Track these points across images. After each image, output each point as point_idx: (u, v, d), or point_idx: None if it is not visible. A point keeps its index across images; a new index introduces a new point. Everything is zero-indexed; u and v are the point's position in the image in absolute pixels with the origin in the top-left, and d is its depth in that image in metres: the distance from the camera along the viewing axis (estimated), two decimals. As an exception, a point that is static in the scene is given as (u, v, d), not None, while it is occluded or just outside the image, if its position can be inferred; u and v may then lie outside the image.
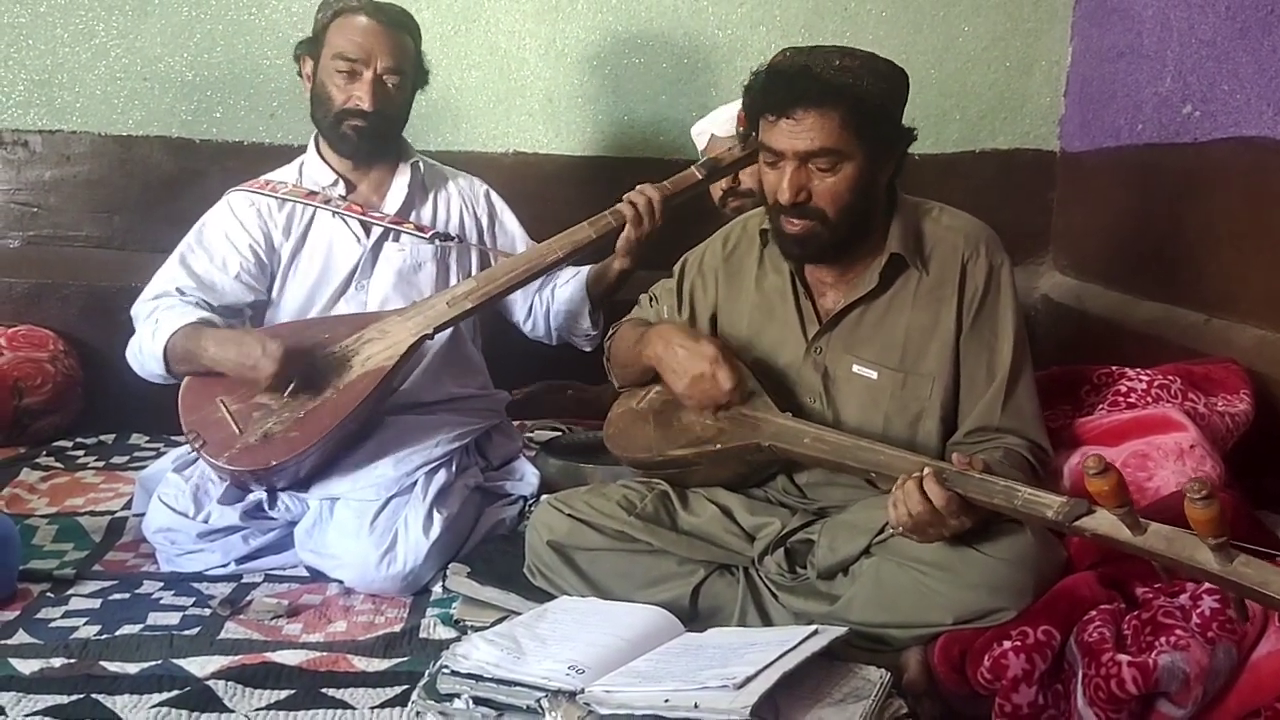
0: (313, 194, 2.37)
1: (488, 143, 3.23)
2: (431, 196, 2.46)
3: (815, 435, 1.79)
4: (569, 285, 2.44)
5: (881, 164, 1.79)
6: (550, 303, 2.47)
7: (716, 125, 2.55)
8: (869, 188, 1.78)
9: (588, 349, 2.51)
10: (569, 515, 1.94)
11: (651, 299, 2.14)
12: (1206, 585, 1.52)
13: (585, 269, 2.45)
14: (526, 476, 2.43)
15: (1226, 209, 2.43)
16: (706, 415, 1.90)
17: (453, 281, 2.40)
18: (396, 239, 2.39)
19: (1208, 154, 2.49)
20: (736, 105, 2.46)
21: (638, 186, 2.26)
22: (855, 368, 1.86)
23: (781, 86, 1.73)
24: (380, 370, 2.15)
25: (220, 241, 2.34)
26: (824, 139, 1.71)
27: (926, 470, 1.59)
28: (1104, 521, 1.43)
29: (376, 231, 2.38)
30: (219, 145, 3.17)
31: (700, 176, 2.31)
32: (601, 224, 2.27)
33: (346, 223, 2.37)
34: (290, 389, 2.11)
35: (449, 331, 2.37)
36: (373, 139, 2.33)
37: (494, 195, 2.54)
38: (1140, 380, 2.11)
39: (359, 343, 2.19)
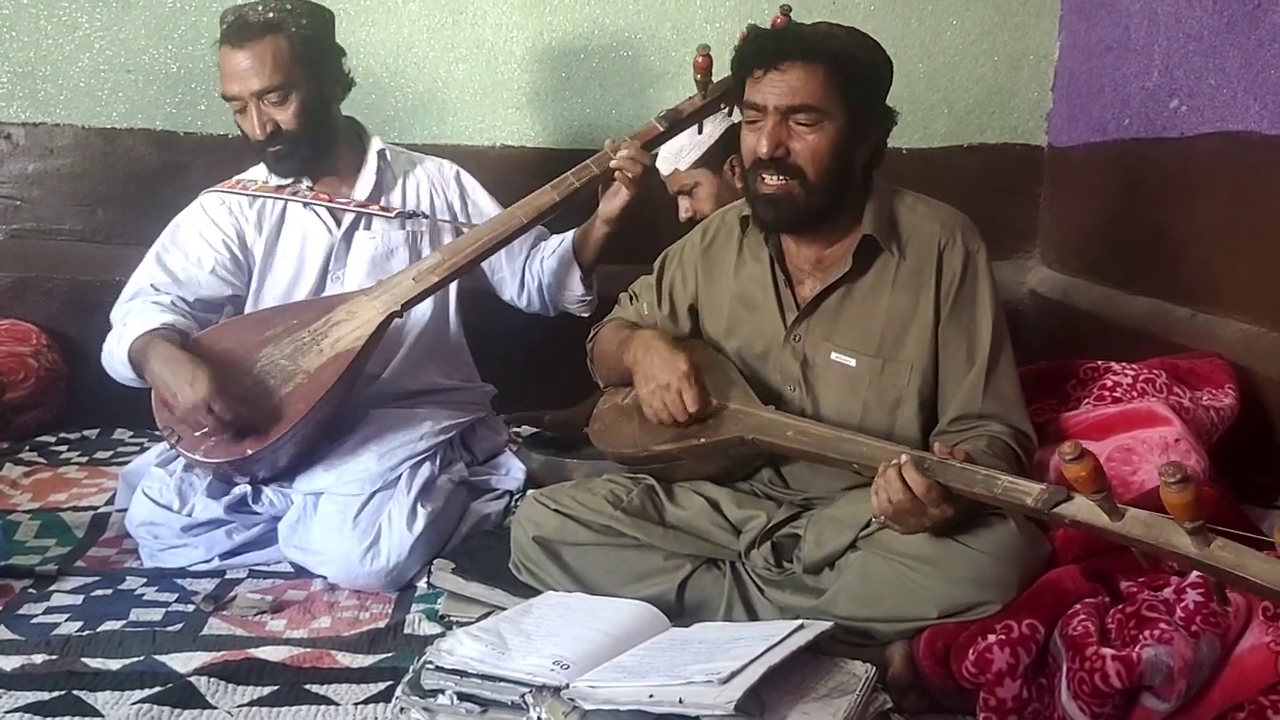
0: (281, 188, 2.35)
1: (474, 136, 3.21)
2: (400, 182, 2.44)
3: (798, 428, 1.79)
4: (555, 255, 2.43)
5: (861, 135, 1.80)
6: (541, 275, 2.45)
7: (680, 161, 2.54)
8: (848, 156, 1.79)
9: (585, 314, 2.48)
10: (555, 510, 1.93)
11: (632, 297, 2.14)
12: (1190, 579, 1.52)
13: (569, 235, 2.42)
14: (512, 471, 2.42)
15: (1213, 203, 2.43)
16: (665, 430, 1.89)
17: (427, 266, 2.38)
18: (368, 227, 2.37)
19: (1194, 149, 2.49)
20: (691, 137, 2.45)
21: (612, 147, 2.22)
22: (833, 355, 1.87)
23: (770, 41, 1.79)
24: (349, 352, 2.13)
25: (194, 239, 2.33)
26: (807, 94, 1.73)
27: (905, 458, 1.59)
28: (1082, 507, 1.43)
29: (347, 221, 2.36)
30: (203, 138, 3.15)
31: (662, 129, 2.28)
32: (565, 185, 2.25)
33: (317, 214, 2.35)
34: (229, 424, 2.05)
35: (428, 316, 2.36)
36: (296, 155, 2.28)
37: (464, 175, 2.51)
38: (1126, 374, 2.12)
39: (327, 325, 2.16)
